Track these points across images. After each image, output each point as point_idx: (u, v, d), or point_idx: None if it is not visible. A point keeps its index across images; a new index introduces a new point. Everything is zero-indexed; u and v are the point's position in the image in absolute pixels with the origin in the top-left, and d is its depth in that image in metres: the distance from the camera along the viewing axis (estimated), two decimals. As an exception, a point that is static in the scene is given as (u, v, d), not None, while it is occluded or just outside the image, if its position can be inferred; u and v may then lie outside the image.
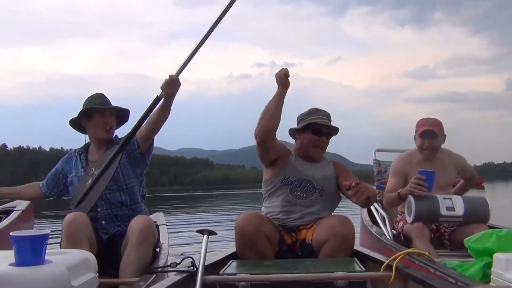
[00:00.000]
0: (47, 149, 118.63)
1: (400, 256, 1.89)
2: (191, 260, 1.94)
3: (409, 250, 2.11)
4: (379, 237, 2.85)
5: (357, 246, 2.45)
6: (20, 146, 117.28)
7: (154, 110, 2.32)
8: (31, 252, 1.25)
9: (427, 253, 2.08)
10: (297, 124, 2.59)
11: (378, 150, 3.83)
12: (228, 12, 2.27)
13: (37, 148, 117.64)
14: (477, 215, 2.56)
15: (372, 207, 3.36)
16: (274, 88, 2.37)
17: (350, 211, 2.87)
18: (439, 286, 1.61)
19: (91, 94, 2.51)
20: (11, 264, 1.26)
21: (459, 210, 2.52)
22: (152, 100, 2.30)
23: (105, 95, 2.53)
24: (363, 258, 2.24)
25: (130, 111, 2.55)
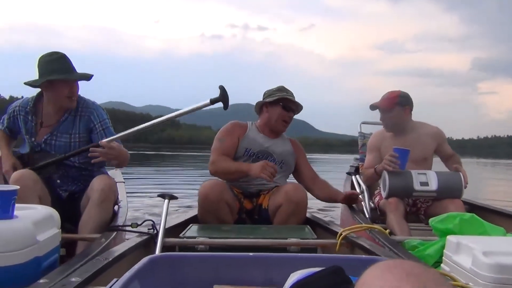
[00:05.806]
0: (7, 97, 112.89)
1: (353, 230, 1.96)
2: (151, 222, 1.96)
3: (369, 225, 2.16)
4: (350, 211, 2.82)
5: (309, 214, 2.57)
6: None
7: None
8: (0, 206, 1.28)
9: (386, 231, 2.12)
10: (264, 98, 2.71)
11: (363, 123, 3.84)
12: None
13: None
14: (451, 190, 2.58)
15: (354, 180, 3.37)
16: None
17: (335, 183, 2.86)
18: (380, 253, 1.63)
19: (48, 53, 2.22)
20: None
21: (433, 185, 2.54)
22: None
23: (66, 55, 2.22)
24: (315, 226, 2.37)
25: (93, 75, 2.26)
